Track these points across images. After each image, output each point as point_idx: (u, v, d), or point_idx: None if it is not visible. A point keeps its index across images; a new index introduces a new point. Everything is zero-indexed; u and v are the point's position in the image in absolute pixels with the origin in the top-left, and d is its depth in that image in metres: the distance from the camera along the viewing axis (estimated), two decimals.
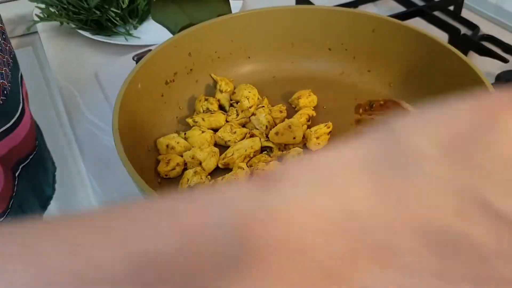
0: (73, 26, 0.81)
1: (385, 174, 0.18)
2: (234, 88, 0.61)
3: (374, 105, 0.46)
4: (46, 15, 0.82)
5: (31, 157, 0.63)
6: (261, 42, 0.63)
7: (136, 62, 0.57)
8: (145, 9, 0.86)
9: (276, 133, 0.53)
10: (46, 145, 0.71)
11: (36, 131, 0.65)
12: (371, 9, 0.88)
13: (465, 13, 0.84)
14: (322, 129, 0.54)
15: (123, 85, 0.50)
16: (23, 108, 0.58)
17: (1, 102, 0.52)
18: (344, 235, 0.17)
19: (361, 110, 0.47)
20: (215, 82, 0.61)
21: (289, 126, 0.53)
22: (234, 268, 0.17)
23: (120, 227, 0.19)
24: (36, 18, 0.85)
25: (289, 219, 0.17)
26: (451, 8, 0.84)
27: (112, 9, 0.82)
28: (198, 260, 0.18)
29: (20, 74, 0.61)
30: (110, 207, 0.21)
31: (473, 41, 0.73)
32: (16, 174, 0.58)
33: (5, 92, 0.53)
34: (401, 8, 0.85)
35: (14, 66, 0.59)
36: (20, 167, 0.59)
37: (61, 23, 0.82)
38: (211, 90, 0.62)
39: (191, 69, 0.60)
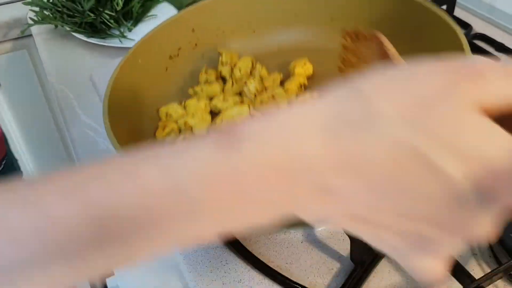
0: (68, 28, 0.81)
1: (341, 132, 0.20)
2: None
3: (359, 36, 0.46)
4: (40, 18, 0.82)
5: (3, 162, 0.63)
6: (265, 15, 0.64)
7: None
8: (139, 11, 0.86)
9: (261, 102, 0.55)
10: (13, 153, 0.71)
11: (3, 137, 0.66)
12: None
13: (458, 12, 0.84)
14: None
15: (122, 60, 0.55)
16: None
17: None
18: (289, 175, 0.20)
19: (347, 39, 0.48)
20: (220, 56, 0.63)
21: (273, 96, 0.55)
22: (192, 213, 0.20)
23: (81, 184, 0.21)
24: (30, 21, 0.85)
25: (243, 173, 0.20)
26: (444, 7, 0.84)
27: (106, 11, 0.82)
28: (158, 210, 0.20)
29: None
30: (76, 166, 0.23)
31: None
32: None
33: None
34: None
35: None
36: None
37: (56, 26, 0.82)
38: (217, 63, 0.63)
39: (195, 44, 0.63)
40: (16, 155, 0.83)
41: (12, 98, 1.03)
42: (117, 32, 0.83)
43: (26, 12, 0.92)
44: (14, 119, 1.04)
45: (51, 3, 0.83)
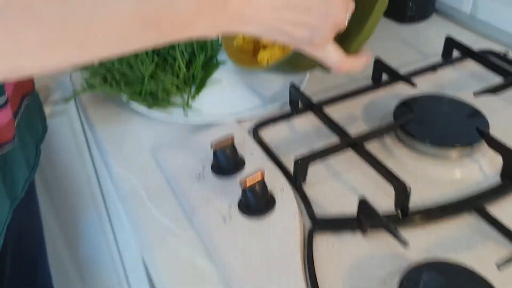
0: (124, 99, 0.70)
1: None
2: None
3: None
4: (92, 84, 0.71)
5: (7, 148, 0.60)
6: None
7: (214, 151, 0.56)
8: (202, 76, 0.75)
9: None
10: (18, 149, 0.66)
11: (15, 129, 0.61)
12: (452, 76, 0.78)
13: None
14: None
15: None
16: (6, 101, 0.56)
17: None
18: None
19: None
20: None
21: None
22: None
23: None
24: (78, 87, 0.74)
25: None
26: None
27: (168, 77, 0.71)
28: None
29: None
30: None
31: None
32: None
33: None
34: None
35: None
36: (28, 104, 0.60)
37: (109, 95, 0.71)
38: None
39: None
40: None
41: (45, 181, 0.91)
42: (179, 100, 0.72)
43: (70, 73, 0.82)
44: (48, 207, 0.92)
45: (105, 68, 0.72)
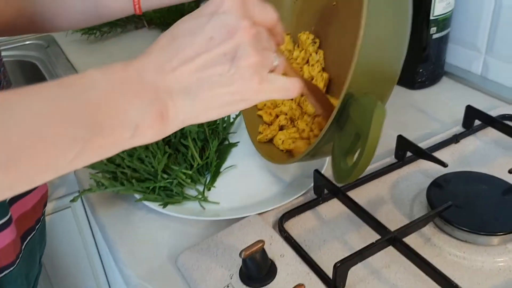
0: (138, 196, 0.65)
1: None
2: None
3: None
4: (102, 183, 0.66)
5: (37, 227, 0.61)
6: None
7: (243, 259, 0.50)
8: (216, 163, 0.71)
9: None
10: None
11: (30, 249, 0.61)
12: (476, 146, 0.75)
13: None
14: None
15: None
16: (9, 219, 0.54)
17: None
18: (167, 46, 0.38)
19: None
20: None
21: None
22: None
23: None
24: (85, 183, 0.70)
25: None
26: None
27: (182, 169, 0.67)
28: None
29: None
30: None
31: None
32: (23, 246, 0.56)
33: None
34: None
35: None
36: (29, 237, 0.57)
37: (118, 192, 0.66)
38: None
39: None
40: None
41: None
42: (194, 192, 0.67)
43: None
44: None
45: (114, 164, 0.68)
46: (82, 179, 0.75)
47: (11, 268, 0.56)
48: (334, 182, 0.62)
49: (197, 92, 0.38)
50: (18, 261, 0.56)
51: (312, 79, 0.65)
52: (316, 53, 0.68)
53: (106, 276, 0.92)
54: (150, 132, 0.37)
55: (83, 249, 0.86)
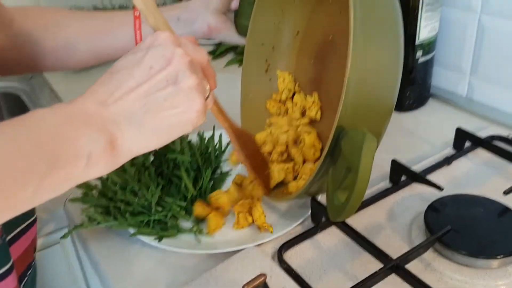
0: (132, 231, 0.64)
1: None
2: None
3: None
4: (94, 218, 0.65)
5: (29, 273, 0.60)
6: None
7: None
8: (210, 191, 0.70)
9: None
10: None
11: None
12: (467, 167, 0.75)
13: None
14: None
15: None
16: (11, 266, 0.52)
17: None
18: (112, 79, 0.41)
19: None
20: None
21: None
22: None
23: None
24: (75, 218, 0.68)
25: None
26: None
27: (175, 201, 0.66)
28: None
29: None
30: None
31: None
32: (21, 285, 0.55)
33: None
34: None
35: None
36: (22, 285, 0.56)
37: (112, 227, 0.65)
38: None
39: None
40: None
41: None
42: (188, 224, 0.66)
43: (64, 199, 0.76)
44: None
45: (107, 198, 0.66)
46: (72, 214, 0.73)
47: None
48: None
49: (143, 118, 0.40)
50: None
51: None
52: (311, 95, 0.69)
53: None
54: (103, 162, 0.39)
55: (73, 286, 0.84)
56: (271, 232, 0.62)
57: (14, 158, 0.34)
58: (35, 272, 0.64)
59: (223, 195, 0.67)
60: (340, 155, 0.48)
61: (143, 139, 0.41)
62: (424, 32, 0.85)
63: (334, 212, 0.49)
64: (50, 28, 0.66)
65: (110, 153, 0.39)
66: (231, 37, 0.76)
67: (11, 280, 0.52)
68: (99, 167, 0.38)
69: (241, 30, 0.75)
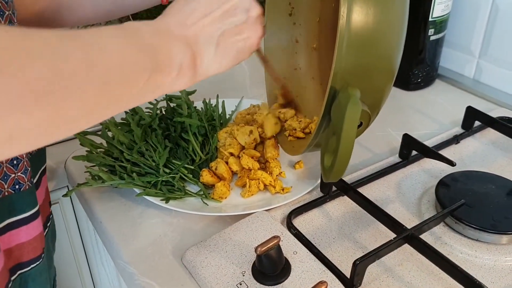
0: (137, 191, 0.62)
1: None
2: None
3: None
4: (99, 177, 0.63)
5: (48, 224, 0.60)
6: None
7: (258, 256, 0.49)
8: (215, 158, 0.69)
9: None
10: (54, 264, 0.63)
11: (48, 244, 0.59)
12: (476, 146, 0.75)
13: None
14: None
15: None
16: (37, 211, 0.52)
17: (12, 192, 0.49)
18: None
19: None
20: None
21: None
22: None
23: None
24: (76, 177, 0.66)
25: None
26: None
27: (186, 165, 0.64)
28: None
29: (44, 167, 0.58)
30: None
31: None
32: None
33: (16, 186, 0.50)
34: None
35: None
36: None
37: (118, 186, 0.63)
38: None
39: None
40: None
41: None
42: (195, 188, 0.65)
43: (65, 158, 0.74)
44: None
45: (112, 158, 0.65)
46: (73, 174, 0.71)
47: (38, 262, 0.54)
48: (343, 179, 0.61)
49: (218, 40, 0.44)
50: (43, 255, 0.54)
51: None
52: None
53: (91, 275, 0.88)
54: (188, 76, 0.42)
55: (70, 246, 0.82)
56: (290, 189, 0.64)
57: (136, 53, 0.36)
58: (54, 226, 0.63)
59: (223, 164, 0.66)
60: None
61: (217, 61, 0.44)
62: (438, 9, 0.84)
63: (324, 173, 0.49)
64: None
65: (193, 67, 0.42)
66: None
67: (37, 224, 0.52)
68: (184, 80, 0.41)
69: None
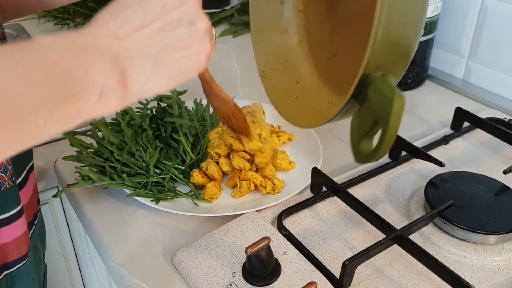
0: (128, 191, 0.62)
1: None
2: None
3: None
4: (89, 177, 0.63)
5: (36, 222, 0.59)
6: None
7: (249, 256, 0.49)
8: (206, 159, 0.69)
9: None
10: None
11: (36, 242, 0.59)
12: (465, 147, 0.76)
13: None
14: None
15: None
16: (21, 210, 0.51)
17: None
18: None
19: None
20: None
21: None
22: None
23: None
24: (66, 177, 0.66)
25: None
26: None
27: (176, 165, 0.64)
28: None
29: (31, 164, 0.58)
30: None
31: None
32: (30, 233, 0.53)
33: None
34: None
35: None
36: (4, 273, 0.52)
37: (108, 187, 0.63)
38: None
39: None
40: None
41: None
42: (185, 189, 0.65)
43: (55, 158, 0.73)
44: None
45: (102, 158, 0.65)
46: (63, 174, 0.71)
47: (24, 262, 0.53)
48: (333, 179, 0.62)
49: (156, 56, 0.38)
50: (29, 254, 0.54)
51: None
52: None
53: (81, 276, 0.88)
54: (114, 98, 0.35)
55: (60, 247, 0.82)
56: (282, 185, 0.64)
57: (27, 83, 0.30)
58: (43, 222, 0.63)
59: (213, 164, 0.66)
60: (365, 101, 0.47)
61: (155, 79, 0.38)
62: (428, 10, 0.84)
63: (359, 156, 0.48)
64: None
65: (122, 89, 0.36)
66: None
67: (21, 223, 0.51)
68: (110, 103, 0.35)
69: None
